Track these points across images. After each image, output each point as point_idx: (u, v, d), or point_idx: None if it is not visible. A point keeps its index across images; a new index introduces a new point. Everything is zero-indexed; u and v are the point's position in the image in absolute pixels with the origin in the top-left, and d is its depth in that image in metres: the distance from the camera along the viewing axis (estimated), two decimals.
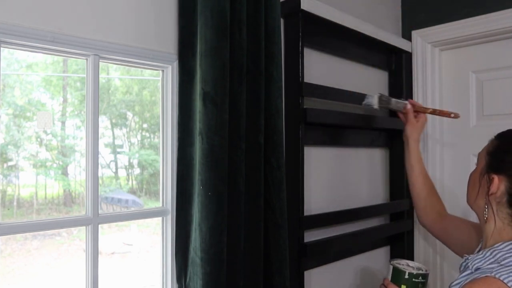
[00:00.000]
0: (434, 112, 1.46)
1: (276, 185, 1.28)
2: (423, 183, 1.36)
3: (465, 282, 0.83)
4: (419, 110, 1.44)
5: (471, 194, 1.00)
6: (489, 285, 0.78)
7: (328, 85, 1.63)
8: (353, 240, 1.69)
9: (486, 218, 0.93)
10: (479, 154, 1.01)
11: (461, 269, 0.93)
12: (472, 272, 0.86)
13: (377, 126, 1.85)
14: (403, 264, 1.18)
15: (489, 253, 0.87)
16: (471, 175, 1.03)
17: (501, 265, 0.82)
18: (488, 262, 0.85)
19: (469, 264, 0.89)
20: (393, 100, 1.50)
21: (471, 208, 1.01)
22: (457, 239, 1.23)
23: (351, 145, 1.81)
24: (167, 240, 1.24)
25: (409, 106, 1.43)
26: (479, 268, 0.85)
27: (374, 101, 1.49)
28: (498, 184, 0.90)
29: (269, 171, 1.28)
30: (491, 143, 0.98)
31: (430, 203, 1.34)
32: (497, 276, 0.78)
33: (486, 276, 0.80)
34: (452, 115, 1.41)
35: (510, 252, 0.84)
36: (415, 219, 2.03)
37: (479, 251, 0.98)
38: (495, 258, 0.84)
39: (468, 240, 1.18)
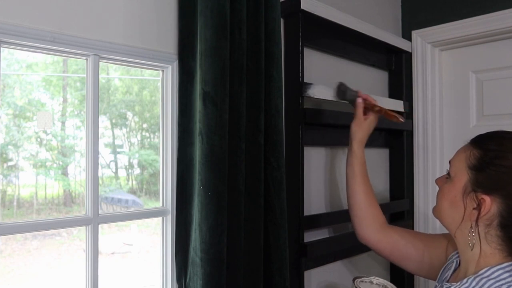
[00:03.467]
0: (381, 111, 1.29)
1: (276, 185, 1.28)
2: (365, 191, 1.22)
3: None
4: (368, 107, 1.29)
5: (454, 217, 0.86)
6: None
7: (328, 85, 1.63)
8: (353, 240, 1.68)
9: (472, 244, 0.82)
10: (454, 164, 0.88)
11: None
12: None
13: (377, 126, 1.85)
14: (366, 281, 1.15)
15: (475, 282, 0.77)
16: (444, 189, 0.89)
17: None
18: None
19: None
20: (349, 90, 1.35)
21: (452, 233, 0.88)
22: (411, 254, 1.09)
23: None
24: (167, 240, 1.24)
25: (359, 100, 1.28)
26: None
27: (334, 92, 1.38)
28: (490, 205, 0.79)
29: (269, 171, 1.28)
30: (471, 154, 0.84)
31: (371, 215, 1.20)
32: None
33: None
34: (395, 119, 1.26)
35: (499, 280, 0.76)
36: (415, 219, 2.04)
37: (453, 270, 0.90)
38: None
39: (425, 254, 1.07)
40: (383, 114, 1.29)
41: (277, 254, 1.28)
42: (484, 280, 0.77)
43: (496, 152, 0.81)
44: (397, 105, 1.90)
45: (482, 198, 0.80)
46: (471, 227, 0.82)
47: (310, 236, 1.54)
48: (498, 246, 0.80)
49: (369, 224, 1.19)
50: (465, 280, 0.80)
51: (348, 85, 1.41)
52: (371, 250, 1.88)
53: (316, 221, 1.55)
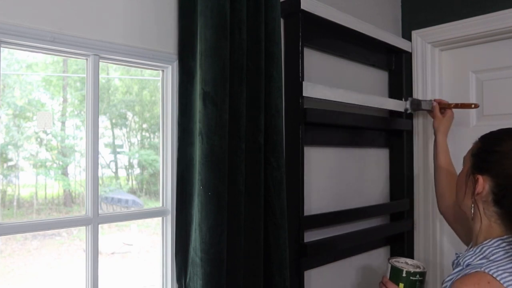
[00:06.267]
0: (457, 105, 1.65)
1: (276, 185, 1.28)
2: (445, 173, 1.45)
3: (457, 277, 0.87)
4: (444, 107, 1.65)
5: (459, 194, 1.04)
6: (478, 279, 0.82)
7: (328, 85, 1.63)
8: (353, 240, 1.69)
9: (473, 217, 0.97)
10: (464, 157, 1.04)
11: (454, 266, 0.97)
12: (463, 268, 0.90)
13: (377, 126, 1.85)
14: (402, 262, 1.21)
15: (478, 249, 0.90)
16: (458, 176, 1.07)
17: (490, 260, 0.86)
18: (478, 258, 0.89)
19: (460, 261, 0.93)
20: (423, 101, 1.77)
21: (460, 207, 1.05)
22: (463, 229, 1.28)
23: (351, 145, 1.81)
24: (167, 240, 1.24)
25: (434, 104, 1.66)
26: (470, 264, 0.89)
27: (407, 106, 1.83)
28: (483, 184, 0.93)
29: (269, 171, 1.28)
30: (475, 145, 1.01)
31: (447, 192, 1.41)
32: (486, 270, 0.82)
33: (476, 271, 0.84)
34: (473, 105, 1.62)
35: (498, 248, 0.88)
36: (415, 219, 2.04)
37: (470, 248, 1.02)
38: (484, 254, 0.88)
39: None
40: (460, 107, 1.67)
41: (277, 254, 1.28)
42: (485, 248, 0.89)
43: (493, 141, 0.96)
44: (397, 105, 1.90)
45: (477, 178, 0.94)
46: (472, 203, 0.97)
47: (310, 236, 1.54)
48: (497, 221, 0.92)
49: (444, 200, 1.42)
50: (471, 249, 0.94)
51: (417, 97, 1.92)
52: (371, 250, 1.89)
53: (316, 221, 1.55)
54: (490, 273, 0.81)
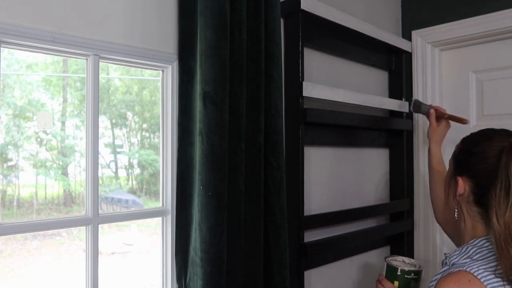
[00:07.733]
0: (450, 117, 1.56)
1: (276, 185, 1.28)
2: (439, 182, 1.42)
3: (442, 276, 0.89)
4: (439, 115, 1.56)
5: (445, 196, 1.07)
6: (460, 277, 0.84)
7: (328, 85, 1.63)
8: (353, 240, 1.69)
9: (457, 218, 1.00)
10: (450, 159, 1.06)
11: (442, 265, 0.99)
12: (449, 267, 0.92)
13: (377, 126, 1.85)
14: (399, 260, 1.22)
15: (464, 249, 0.93)
16: (445, 179, 1.09)
17: (473, 259, 0.88)
18: (462, 258, 0.91)
19: (447, 260, 0.96)
20: (423, 105, 1.68)
21: (446, 207, 1.08)
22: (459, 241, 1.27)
23: (351, 145, 1.81)
24: (167, 240, 1.24)
25: (431, 111, 1.58)
26: (455, 263, 0.91)
27: (410, 106, 1.75)
28: (463, 185, 0.95)
29: (269, 171, 1.28)
30: (456, 148, 1.03)
31: (441, 202, 1.40)
32: (467, 269, 0.84)
33: (458, 270, 0.86)
34: (464, 121, 1.54)
35: (481, 247, 0.90)
36: (415, 219, 2.04)
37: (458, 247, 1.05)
38: (468, 254, 0.91)
39: None
40: (452, 119, 1.57)
41: (277, 254, 1.28)
42: (470, 247, 0.91)
43: (471, 143, 0.98)
44: (397, 105, 1.90)
45: (457, 180, 0.97)
46: (456, 204, 0.99)
47: (310, 236, 1.54)
48: (480, 220, 0.94)
49: (441, 213, 1.40)
50: (458, 249, 0.95)
51: (422, 100, 1.80)
52: (371, 250, 1.89)
53: (316, 221, 1.55)
54: (471, 272, 0.83)
